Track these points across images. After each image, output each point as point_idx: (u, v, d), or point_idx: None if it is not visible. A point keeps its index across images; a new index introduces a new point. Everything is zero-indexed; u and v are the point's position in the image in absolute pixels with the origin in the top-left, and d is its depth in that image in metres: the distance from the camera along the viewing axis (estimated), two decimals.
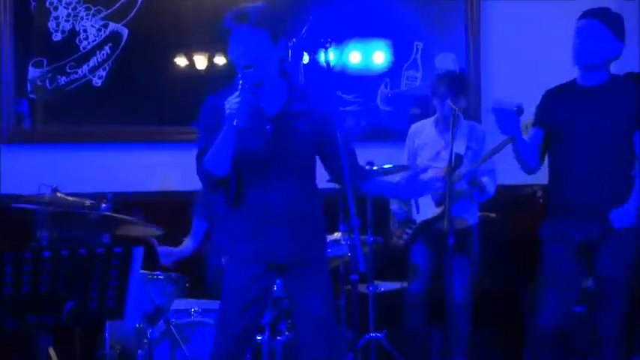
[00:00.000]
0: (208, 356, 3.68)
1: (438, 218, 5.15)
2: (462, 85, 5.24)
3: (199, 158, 3.44)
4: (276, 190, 3.50)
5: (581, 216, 3.91)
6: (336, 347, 3.77)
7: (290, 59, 4.86)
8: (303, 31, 4.87)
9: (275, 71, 3.48)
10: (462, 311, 5.21)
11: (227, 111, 3.28)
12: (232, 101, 3.27)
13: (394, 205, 5.39)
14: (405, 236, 5.40)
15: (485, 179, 5.14)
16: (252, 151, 3.45)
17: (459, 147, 5.06)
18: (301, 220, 3.56)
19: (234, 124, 3.25)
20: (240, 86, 3.28)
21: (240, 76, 3.33)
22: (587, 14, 4.00)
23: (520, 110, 3.80)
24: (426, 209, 5.28)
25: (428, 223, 5.27)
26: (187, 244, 5.10)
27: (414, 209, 5.33)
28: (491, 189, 5.20)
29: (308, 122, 3.52)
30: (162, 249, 4.96)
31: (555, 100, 3.99)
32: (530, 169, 4.03)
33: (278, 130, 3.48)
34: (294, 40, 4.85)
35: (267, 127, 3.48)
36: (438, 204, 5.21)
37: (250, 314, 3.57)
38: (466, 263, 5.28)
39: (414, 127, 5.48)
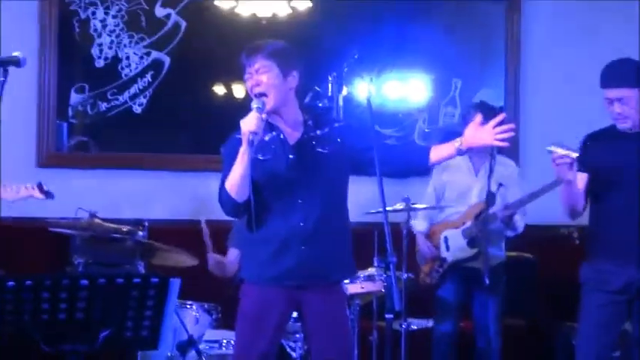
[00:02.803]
0: None
1: (468, 259, 5.14)
2: (495, 113, 5.20)
3: (221, 186, 3.56)
4: (300, 214, 3.56)
5: (623, 261, 3.86)
6: None
7: (330, 92, 4.86)
8: (345, 65, 4.88)
9: (289, 101, 3.61)
10: (496, 354, 5.17)
11: (243, 128, 3.39)
12: (247, 119, 3.41)
13: (422, 243, 5.33)
14: (435, 274, 5.32)
15: (517, 217, 5.11)
16: (275, 175, 3.55)
17: (492, 184, 5.04)
18: (325, 242, 3.59)
19: (250, 138, 3.36)
20: (254, 110, 3.44)
21: (254, 101, 3.49)
22: (614, 83, 3.90)
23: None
24: (457, 249, 5.23)
25: (457, 262, 5.24)
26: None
27: (442, 247, 5.28)
28: (521, 225, 5.17)
29: (332, 144, 3.62)
30: (213, 255, 4.97)
31: (596, 145, 3.95)
32: (577, 212, 3.99)
33: (301, 156, 3.58)
34: (334, 74, 4.87)
35: (290, 155, 3.58)
36: (470, 245, 5.17)
37: (268, 342, 3.59)
38: (497, 302, 5.24)
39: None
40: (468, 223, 5.18)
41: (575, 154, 3.70)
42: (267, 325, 3.59)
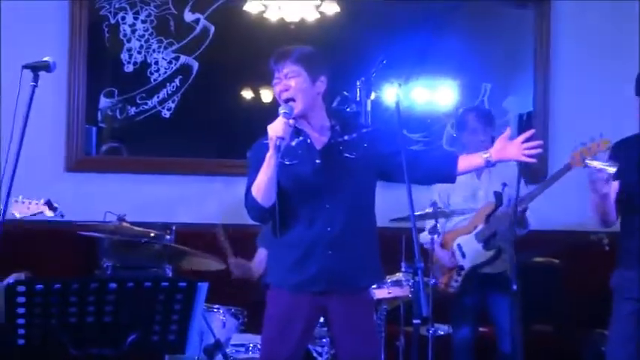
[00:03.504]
0: None
1: (487, 262, 5.08)
2: (490, 117, 5.18)
3: (247, 191, 3.58)
4: (327, 219, 3.57)
5: None
6: None
7: (358, 97, 4.86)
8: (373, 70, 4.87)
9: (317, 106, 3.63)
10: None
11: (270, 133, 3.41)
12: (275, 124, 3.42)
13: (440, 253, 5.26)
14: (454, 284, 5.23)
15: (527, 213, 5.05)
16: (302, 180, 3.56)
17: (496, 185, 5.00)
18: (352, 247, 3.60)
19: (277, 143, 3.38)
20: (282, 115, 3.44)
21: (282, 107, 3.50)
22: None
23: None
24: (474, 254, 5.15)
25: (476, 268, 5.18)
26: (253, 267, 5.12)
27: (458, 255, 5.19)
28: (532, 222, 5.10)
29: (359, 149, 3.63)
30: (234, 259, 5.00)
31: (624, 153, 3.91)
32: (609, 222, 3.96)
33: (328, 161, 3.59)
34: (362, 78, 4.86)
35: (317, 160, 3.59)
36: (486, 247, 5.10)
37: (293, 347, 3.61)
38: (518, 306, 5.17)
39: None
40: (480, 226, 5.12)
41: (612, 169, 3.66)
42: (292, 330, 3.60)
